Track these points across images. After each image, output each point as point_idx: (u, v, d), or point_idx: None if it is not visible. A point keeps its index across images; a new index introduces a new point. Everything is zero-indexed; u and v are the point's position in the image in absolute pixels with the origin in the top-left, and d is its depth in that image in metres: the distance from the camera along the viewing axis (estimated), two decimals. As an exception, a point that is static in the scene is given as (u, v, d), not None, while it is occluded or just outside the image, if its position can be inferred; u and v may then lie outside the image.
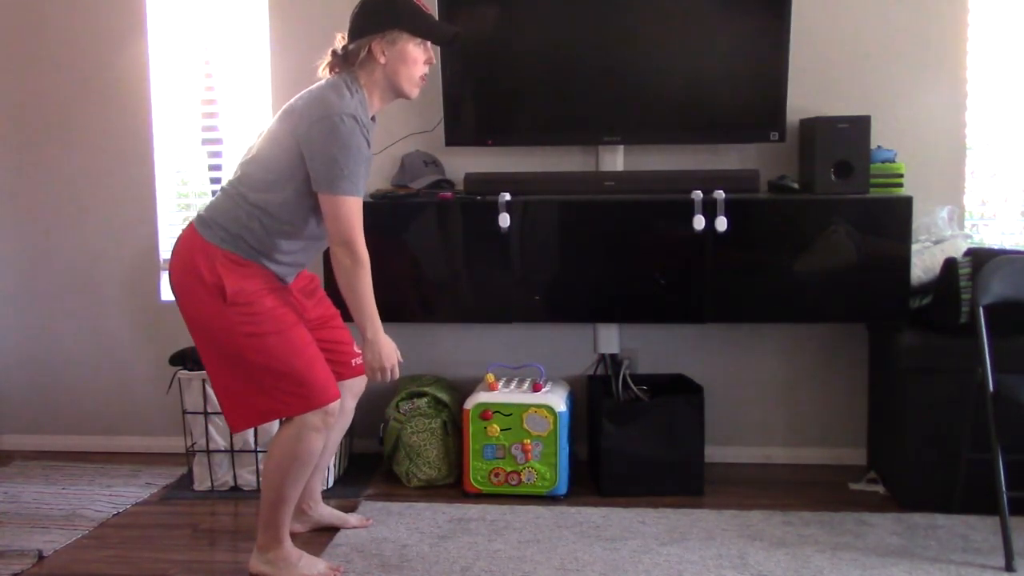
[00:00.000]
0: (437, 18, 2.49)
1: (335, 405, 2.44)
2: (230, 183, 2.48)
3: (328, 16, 3.47)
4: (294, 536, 2.68)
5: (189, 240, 2.44)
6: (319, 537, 2.79)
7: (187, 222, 2.51)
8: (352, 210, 2.35)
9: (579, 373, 3.51)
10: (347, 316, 2.53)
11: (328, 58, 2.50)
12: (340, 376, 2.64)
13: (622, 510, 2.97)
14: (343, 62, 2.47)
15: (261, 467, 3.18)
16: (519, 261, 3.12)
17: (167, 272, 2.52)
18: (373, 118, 2.51)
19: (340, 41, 2.49)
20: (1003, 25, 3.33)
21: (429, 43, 2.49)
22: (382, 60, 2.43)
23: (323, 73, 2.51)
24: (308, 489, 2.76)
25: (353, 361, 2.69)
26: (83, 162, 3.64)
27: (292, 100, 2.45)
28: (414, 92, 2.51)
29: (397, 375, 2.46)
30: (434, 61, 2.52)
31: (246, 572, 2.56)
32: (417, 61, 2.46)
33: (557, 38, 3.29)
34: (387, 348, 2.44)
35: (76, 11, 3.57)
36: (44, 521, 2.96)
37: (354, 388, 2.74)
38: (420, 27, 2.44)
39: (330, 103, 2.35)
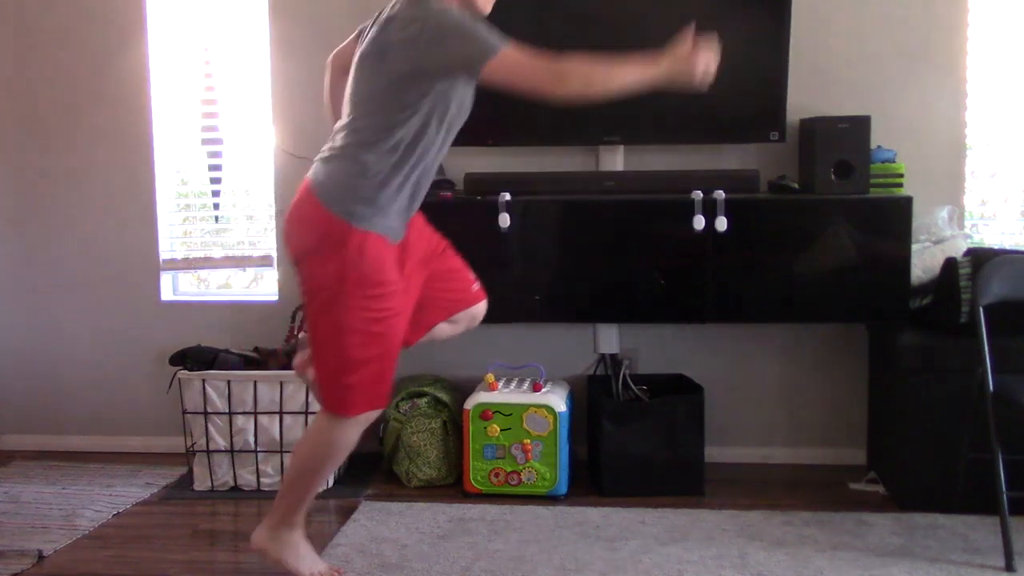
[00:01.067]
0: None
1: (373, 417, 2.38)
2: (344, 147, 2.30)
3: (328, 16, 3.48)
4: None
5: (312, 210, 2.27)
6: (319, 537, 2.79)
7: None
8: (517, 56, 2.16)
9: (579, 373, 3.51)
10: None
11: None
12: (464, 302, 2.58)
13: (622, 510, 2.97)
14: None
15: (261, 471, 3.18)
16: (519, 261, 3.12)
17: (284, 240, 2.38)
18: None
19: None
20: (1003, 25, 3.33)
21: None
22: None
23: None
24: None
25: (472, 287, 2.61)
26: (83, 162, 3.64)
27: (370, 39, 2.29)
28: (488, 7, 2.39)
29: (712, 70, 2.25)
30: None
31: (253, 572, 2.56)
32: None
33: (557, 38, 3.28)
34: (684, 54, 2.22)
35: (76, 11, 3.57)
36: (44, 521, 2.96)
37: (475, 315, 2.64)
38: None
39: (424, 4, 2.22)
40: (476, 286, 2.64)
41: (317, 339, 2.34)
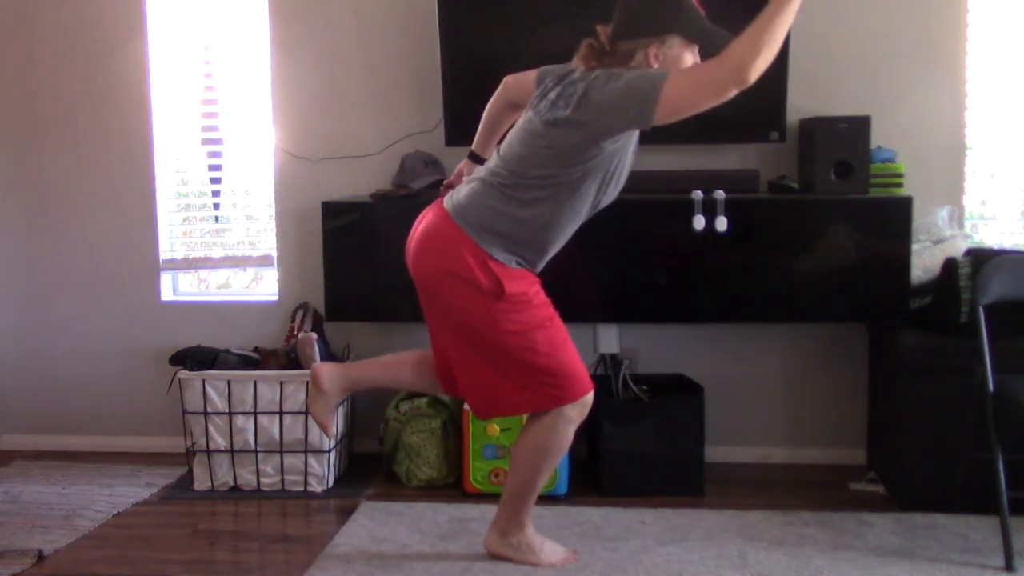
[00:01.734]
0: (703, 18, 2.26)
1: (590, 397, 2.44)
2: (501, 187, 2.34)
3: (328, 17, 3.48)
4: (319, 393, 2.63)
5: (453, 236, 2.34)
6: (319, 537, 2.79)
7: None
8: (679, 82, 2.11)
9: (579, 373, 3.50)
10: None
11: (582, 51, 2.29)
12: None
13: (622, 510, 2.97)
14: (602, 57, 2.27)
15: (262, 471, 3.17)
16: (519, 261, 3.11)
17: (414, 258, 2.42)
18: None
19: (603, 34, 2.27)
20: (1003, 25, 3.33)
21: (697, 48, 2.27)
22: (655, 65, 2.24)
23: (577, 64, 2.30)
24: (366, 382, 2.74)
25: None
26: (83, 162, 3.64)
27: (547, 98, 2.30)
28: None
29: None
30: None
31: (253, 572, 2.56)
32: (687, 65, 2.26)
33: (557, 38, 3.27)
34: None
35: (76, 11, 3.57)
36: (44, 521, 2.96)
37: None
38: (699, 33, 2.25)
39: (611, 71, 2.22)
40: None
41: (477, 356, 2.42)
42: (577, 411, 2.44)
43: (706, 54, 2.24)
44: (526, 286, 2.39)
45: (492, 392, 2.44)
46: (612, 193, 2.42)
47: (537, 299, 2.42)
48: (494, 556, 2.57)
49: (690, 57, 2.28)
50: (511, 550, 2.56)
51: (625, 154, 2.37)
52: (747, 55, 2.07)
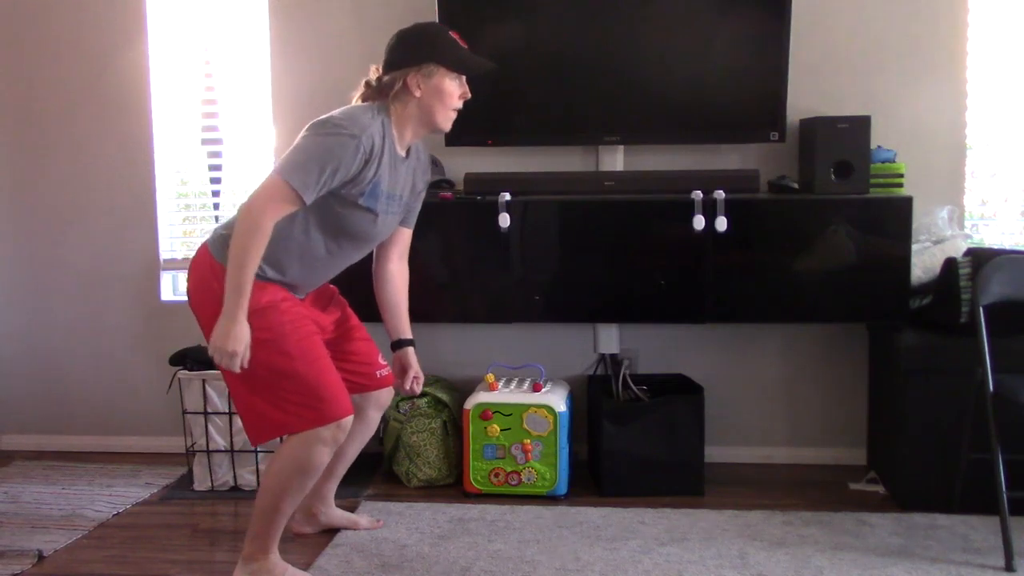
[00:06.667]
0: (470, 51, 2.46)
1: (348, 421, 2.39)
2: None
3: (328, 17, 3.48)
4: (302, 539, 2.67)
5: (203, 260, 2.41)
6: (320, 537, 2.79)
7: (199, 237, 2.49)
8: (272, 188, 2.24)
9: (579, 373, 3.51)
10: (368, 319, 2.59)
11: (362, 89, 2.47)
12: (365, 388, 2.65)
13: (622, 510, 2.97)
14: (377, 94, 2.44)
15: (262, 471, 3.18)
16: (519, 261, 3.12)
17: (186, 292, 2.48)
18: (408, 152, 2.49)
19: (374, 72, 2.46)
20: (1003, 25, 3.33)
21: (464, 77, 2.46)
22: (417, 93, 2.40)
23: (355, 99, 2.48)
24: (319, 493, 2.75)
25: (378, 372, 2.68)
26: (83, 162, 3.64)
27: None
28: (447, 125, 2.48)
29: (236, 365, 2.24)
30: (469, 95, 2.47)
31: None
32: (452, 95, 2.43)
33: (557, 38, 3.29)
34: (241, 333, 2.24)
35: (76, 11, 3.58)
36: (44, 521, 2.96)
37: (379, 400, 2.72)
38: (456, 61, 2.42)
39: (332, 114, 2.34)
40: (383, 371, 2.69)
41: (231, 379, 2.39)
42: (331, 432, 2.34)
43: (470, 80, 2.47)
44: (267, 297, 2.35)
45: (253, 414, 2.38)
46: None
47: (284, 309, 2.37)
48: None
49: (454, 86, 2.43)
50: None
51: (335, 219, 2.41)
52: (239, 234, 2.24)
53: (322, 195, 2.31)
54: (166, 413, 3.48)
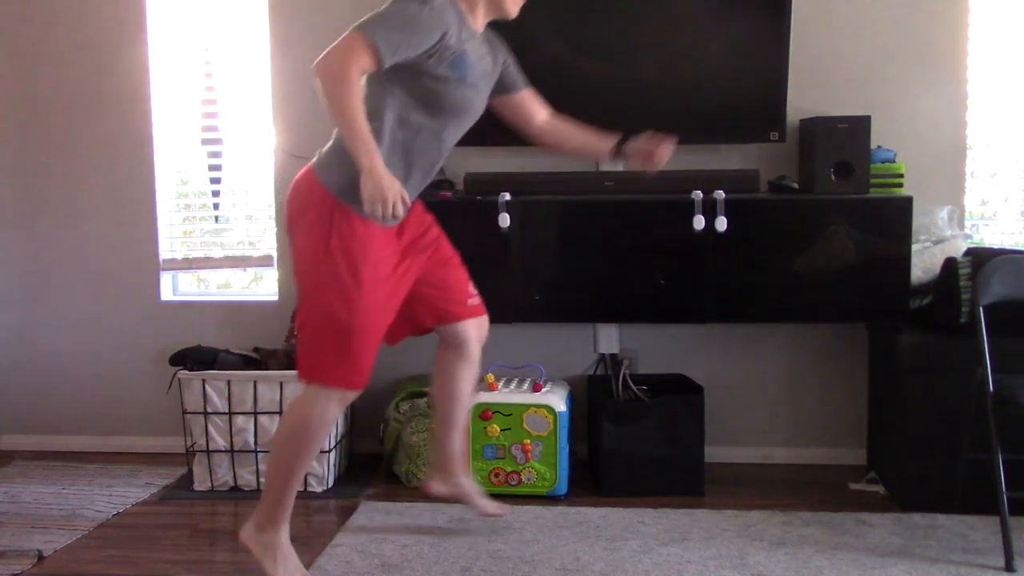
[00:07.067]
0: None
1: (355, 395, 2.40)
2: None
3: (328, 16, 3.48)
4: (435, 499, 2.71)
5: (305, 181, 2.39)
6: (320, 537, 2.79)
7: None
8: (350, 41, 2.20)
9: (579, 373, 3.51)
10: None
11: None
12: (456, 316, 2.61)
13: (622, 510, 2.97)
14: None
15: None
16: (519, 261, 3.12)
17: (286, 215, 2.43)
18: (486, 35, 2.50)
19: None
20: (1003, 25, 3.33)
21: None
22: None
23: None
24: (445, 449, 2.74)
25: (469, 302, 2.65)
26: (83, 162, 3.64)
27: None
28: (515, 11, 2.49)
29: (400, 213, 2.22)
30: None
31: (253, 572, 2.56)
32: None
33: (557, 38, 3.29)
34: (387, 180, 2.20)
35: (76, 11, 3.57)
36: (44, 521, 2.96)
37: (477, 331, 2.68)
38: None
39: None
40: (474, 300, 2.67)
41: (300, 303, 2.39)
42: (343, 395, 2.37)
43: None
44: (359, 237, 2.33)
45: (300, 343, 2.40)
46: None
47: (369, 260, 2.34)
48: (243, 547, 2.45)
49: None
50: (259, 548, 2.42)
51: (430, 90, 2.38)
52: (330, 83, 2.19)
53: (411, 74, 2.30)
54: (166, 413, 3.48)
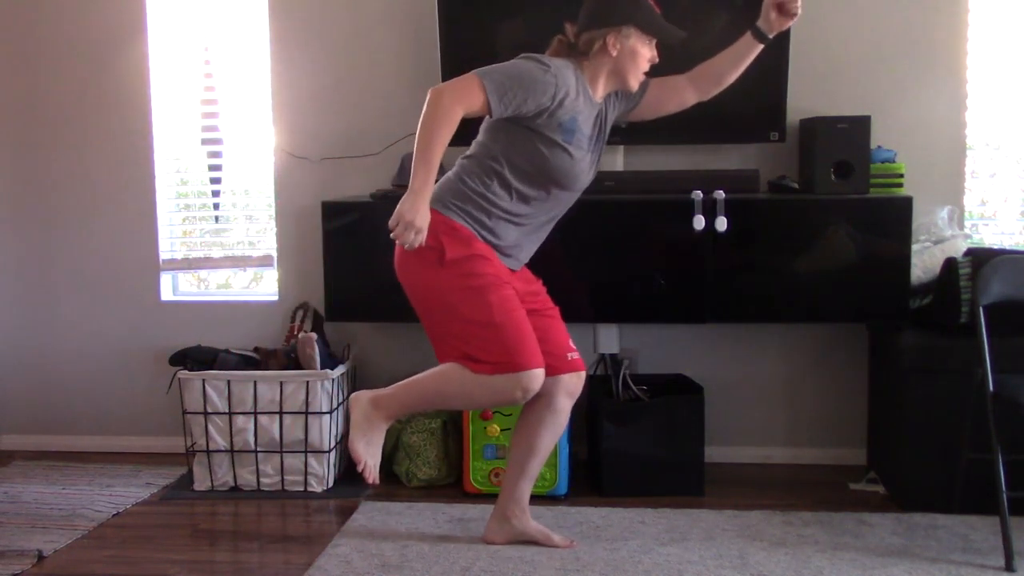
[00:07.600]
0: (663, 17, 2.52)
1: (540, 373, 2.41)
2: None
3: (328, 16, 3.48)
4: (494, 546, 2.68)
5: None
6: (320, 537, 2.79)
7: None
8: (467, 82, 2.31)
9: (579, 373, 3.50)
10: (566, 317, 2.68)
11: (554, 46, 2.53)
12: (555, 370, 2.57)
13: (622, 510, 2.97)
14: (570, 51, 2.51)
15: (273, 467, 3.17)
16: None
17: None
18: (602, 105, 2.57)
19: (569, 30, 2.51)
20: (1003, 25, 3.33)
21: (655, 42, 2.51)
22: (613, 53, 2.46)
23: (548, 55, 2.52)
24: (514, 495, 2.69)
25: (569, 355, 2.64)
26: (83, 162, 3.64)
27: None
28: (636, 85, 2.55)
29: (412, 241, 2.34)
30: (657, 60, 2.54)
31: (253, 572, 2.56)
32: (644, 57, 2.50)
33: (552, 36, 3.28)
34: (422, 209, 2.33)
35: (76, 11, 3.57)
36: (44, 521, 2.96)
37: (569, 386, 2.63)
38: (653, 26, 2.49)
39: (543, 55, 2.45)
40: (573, 355, 2.66)
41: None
42: (526, 380, 2.39)
43: (662, 47, 2.52)
44: (472, 250, 2.44)
45: (446, 350, 2.49)
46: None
47: (486, 262, 2.45)
48: (349, 405, 2.58)
49: (646, 50, 2.50)
50: (360, 416, 2.54)
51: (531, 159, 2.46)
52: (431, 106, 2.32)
53: (521, 130, 2.41)
54: (166, 413, 3.48)
